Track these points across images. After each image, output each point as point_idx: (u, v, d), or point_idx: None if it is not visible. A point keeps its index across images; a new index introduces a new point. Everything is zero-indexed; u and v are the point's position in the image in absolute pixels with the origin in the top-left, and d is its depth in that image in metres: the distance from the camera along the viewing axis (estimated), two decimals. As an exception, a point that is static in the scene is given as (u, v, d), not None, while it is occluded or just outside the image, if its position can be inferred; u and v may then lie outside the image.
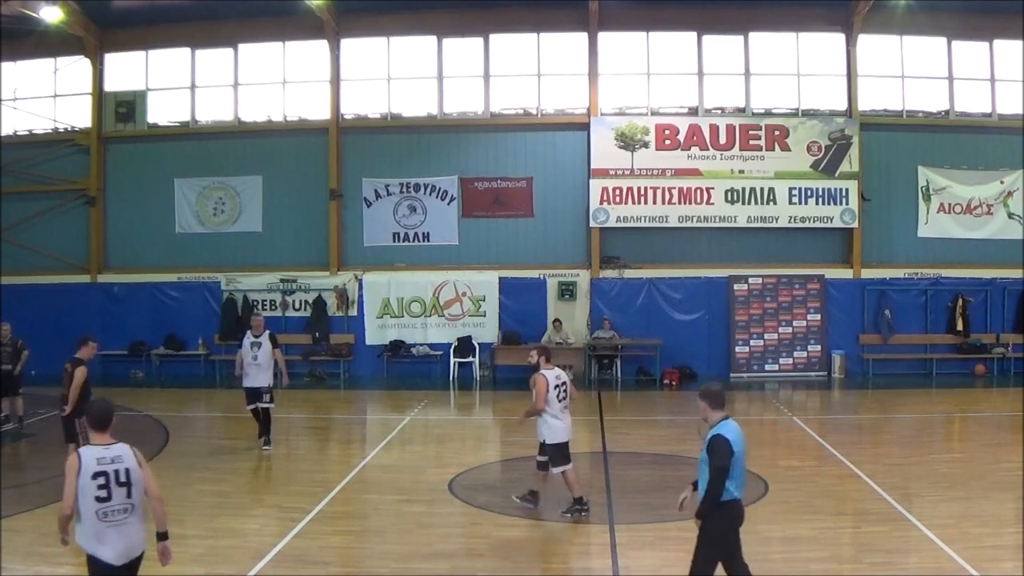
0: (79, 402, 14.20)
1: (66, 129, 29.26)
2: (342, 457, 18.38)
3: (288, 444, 18.71)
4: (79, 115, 29.16)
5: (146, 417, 19.92)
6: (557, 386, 13.09)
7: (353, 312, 27.17)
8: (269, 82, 28.18)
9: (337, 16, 26.93)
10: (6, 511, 13.36)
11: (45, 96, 29.45)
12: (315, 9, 25.76)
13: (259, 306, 26.70)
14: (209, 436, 20.18)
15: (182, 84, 28.65)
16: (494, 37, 27.15)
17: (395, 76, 27.61)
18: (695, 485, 8.95)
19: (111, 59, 28.96)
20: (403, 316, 26.92)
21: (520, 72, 27.17)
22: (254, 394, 17.88)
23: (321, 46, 27.48)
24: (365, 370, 26.91)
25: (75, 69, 29.09)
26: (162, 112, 28.89)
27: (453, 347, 26.42)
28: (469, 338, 26.32)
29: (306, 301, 27.25)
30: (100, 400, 8.50)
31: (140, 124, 28.72)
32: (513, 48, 27.20)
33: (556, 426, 12.97)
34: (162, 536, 8.46)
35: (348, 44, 27.61)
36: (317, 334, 26.77)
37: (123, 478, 8.23)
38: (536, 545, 12.20)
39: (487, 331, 26.45)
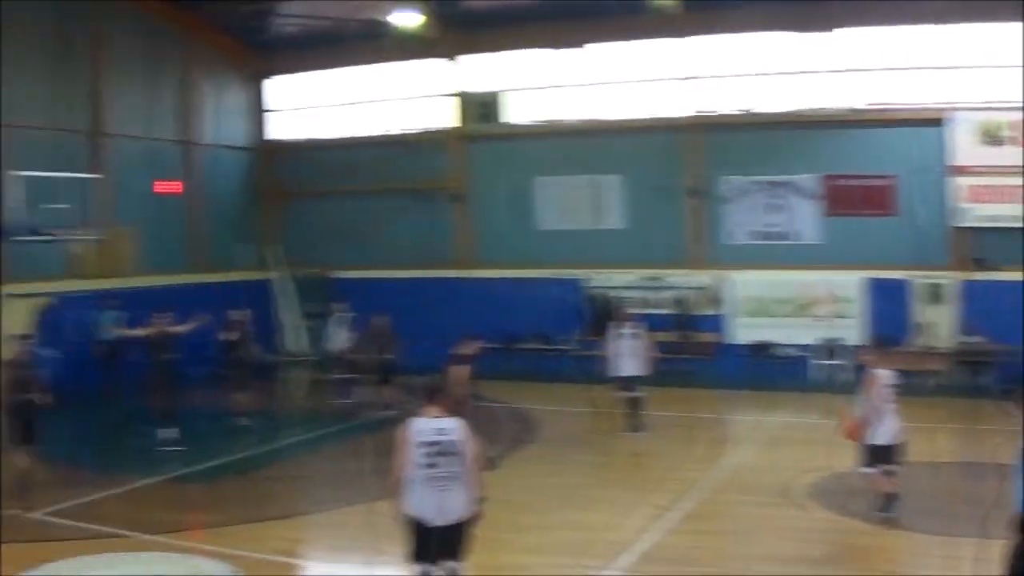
0: (466, 399, 16.51)
1: (430, 129, 32.29)
2: (705, 456, 19.41)
3: (653, 441, 20.11)
4: (442, 115, 32.12)
5: (515, 410, 22.00)
6: (887, 386, 13.89)
7: (717, 311, 28.72)
8: (626, 80, 30.00)
9: (690, 13, 27.91)
10: (378, 495, 15.28)
11: (409, 97, 32.70)
12: (667, 7, 27.08)
13: (623, 303, 27.91)
14: (575, 430, 22.06)
15: (540, 83, 30.98)
16: (847, 31, 27.68)
17: (752, 72, 28.79)
18: None
19: (470, 60, 31.65)
20: (767, 316, 28.20)
21: (879, 66, 27.65)
22: (624, 383, 20.46)
23: (677, 43, 29.06)
24: (728, 369, 28.19)
25: (436, 70, 32.00)
26: (522, 111, 31.30)
27: (817, 348, 27.49)
28: (833, 340, 27.29)
29: (669, 299, 29.00)
30: (433, 377, 10.70)
31: (500, 123, 31.26)
32: (870, 41, 27.65)
33: (879, 428, 13.81)
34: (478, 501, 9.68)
35: (703, 40, 28.95)
36: (681, 332, 28.43)
37: (449, 449, 9.48)
38: (896, 555, 12.79)
39: (851, 333, 27.05)
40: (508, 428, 21.37)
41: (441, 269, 31.87)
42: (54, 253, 25.67)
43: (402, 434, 9.64)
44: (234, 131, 34.35)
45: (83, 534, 13.67)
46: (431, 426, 9.60)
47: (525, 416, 22.31)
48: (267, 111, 35.29)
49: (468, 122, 31.82)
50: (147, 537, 13.49)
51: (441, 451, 9.50)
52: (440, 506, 9.49)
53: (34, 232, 23.24)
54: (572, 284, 30.18)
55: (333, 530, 13.63)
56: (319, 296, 32.81)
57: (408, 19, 29.03)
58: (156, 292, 28.28)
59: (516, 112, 31.56)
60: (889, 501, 13.93)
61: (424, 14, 29.24)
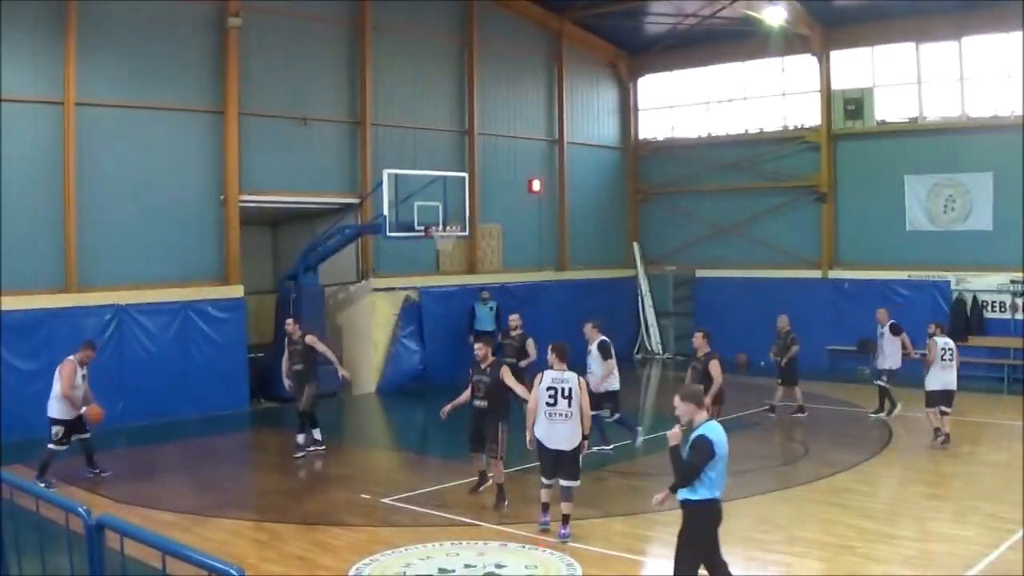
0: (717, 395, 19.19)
1: (796, 127, 35.25)
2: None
3: (1008, 452, 20.87)
4: (808, 113, 34.91)
5: (872, 416, 24.17)
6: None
7: (1084, 316, 29.04)
8: (997, 75, 31.41)
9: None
10: (731, 495, 16.44)
11: (774, 95, 35.86)
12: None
13: (988, 307, 30.20)
14: (932, 439, 21.79)
15: (908, 79, 32.93)
16: None
17: None
18: (674, 488, 10.63)
19: (837, 56, 34.15)
20: None
21: None
22: (876, 374, 24.77)
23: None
24: (1092, 378, 28.60)
25: (802, 68, 34.77)
26: (889, 108, 33.39)
27: None
28: None
29: (1037, 304, 29.67)
30: (561, 342, 14.82)
31: (868, 121, 33.50)
32: None
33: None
34: (584, 437, 14.62)
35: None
36: (1046, 339, 28.96)
37: (566, 393, 14.28)
38: None
39: None
40: (862, 434, 23.17)
41: (806, 269, 34.83)
42: (422, 249, 30.20)
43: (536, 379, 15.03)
44: (603, 130, 38.65)
45: (429, 521, 15.55)
46: (556, 376, 14.88)
47: (884, 423, 23.77)
48: (636, 110, 39.46)
49: (834, 120, 34.40)
50: (491, 526, 15.20)
51: (560, 394, 14.69)
52: (555, 434, 14.80)
53: (405, 229, 26.64)
54: (937, 287, 32.07)
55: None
56: (680, 295, 37.41)
57: (777, 16, 31.29)
58: (523, 288, 33.47)
59: (885, 109, 33.77)
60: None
61: (793, 11, 31.81)
